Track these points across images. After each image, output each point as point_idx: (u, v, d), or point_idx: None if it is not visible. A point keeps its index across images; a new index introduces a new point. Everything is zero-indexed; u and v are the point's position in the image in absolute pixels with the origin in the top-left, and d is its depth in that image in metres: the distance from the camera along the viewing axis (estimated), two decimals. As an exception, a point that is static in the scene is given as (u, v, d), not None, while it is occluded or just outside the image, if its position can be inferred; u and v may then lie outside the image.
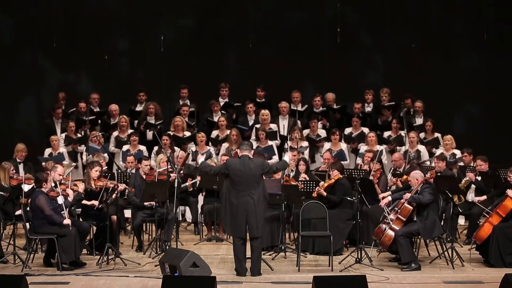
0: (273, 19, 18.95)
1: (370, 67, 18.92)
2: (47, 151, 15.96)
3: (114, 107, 16.99)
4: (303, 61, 18.54)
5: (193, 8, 18.96)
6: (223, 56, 18.95)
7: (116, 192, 12.69)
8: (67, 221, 11.82)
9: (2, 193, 12.96)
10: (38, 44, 18.79)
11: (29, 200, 12.21)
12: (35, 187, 12.49)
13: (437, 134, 16.19)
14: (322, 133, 16.48)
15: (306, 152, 15.95)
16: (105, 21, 18.78)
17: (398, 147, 15.97)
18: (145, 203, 13.05)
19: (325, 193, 12.96)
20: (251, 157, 11.60)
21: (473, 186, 13.85)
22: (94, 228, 12.94)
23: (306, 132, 16.40)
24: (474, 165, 14.18)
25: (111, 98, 17.67)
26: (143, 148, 16.01)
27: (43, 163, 15.05)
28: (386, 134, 16.41)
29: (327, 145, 15.96)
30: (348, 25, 18.82)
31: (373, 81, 18.30)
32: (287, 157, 11.88)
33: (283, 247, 12.79)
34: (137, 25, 18.92)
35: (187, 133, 16.22)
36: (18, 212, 12.53)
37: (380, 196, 12.64)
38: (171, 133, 16.03)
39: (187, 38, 19.00)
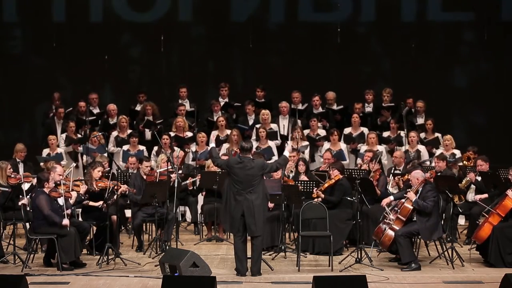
0: (274, 19, 18.98)
1: (372, 67, 18.91)
2: (45, 151, 15.96)
3: (112, 106, 16.99)
4: (304, 61, 18.54)
5: (193, 9, 18.96)
6: (224, 56, 18.95)
7: (117, 193, 12.70)
8: (66, 221, 11.80)
9: (6, 189, 12.92)
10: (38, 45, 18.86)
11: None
12: (34, 185, 12.50)
13: (437, 134, 16.19)
14: (322, 132, 16.48)
15: (307, 152, 15.96)
16: (105, 21, 18.78)
17: (397, 147, 15.96)
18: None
19: (323, 196, 12.93)
20: (252, 157, 11.62)
21: (473, 186, 13.84)
22: (94, 228, 12.94)
23: (306, 132, 16.39)
24: (473, 165, 14.19)
25: (110, 99, 17.68)
26: (142, 148, 16.02)
27: (41, 163, 15.07)
28: (385, 134, 16.41)
29: (326, 145, 15.96)
30: (348, 25, 18.83)
31: (375, 82, 18.31)
32: (287, 151, 11.88)
33: (283, 247, 12.79)
34: (136, 25, 18.91)
35: (189, 134, 16.22)
36: (22, 202, 12.50)
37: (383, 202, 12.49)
38: (173, 134, 16.03)
39: (187, 38, 19.00)
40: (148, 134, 16.68)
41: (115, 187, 12.66)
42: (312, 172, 14.52)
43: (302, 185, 13.35)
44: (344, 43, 18.73)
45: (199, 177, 14.37)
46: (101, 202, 12.63)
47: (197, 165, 15.60)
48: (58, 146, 16.11)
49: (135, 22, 18.91)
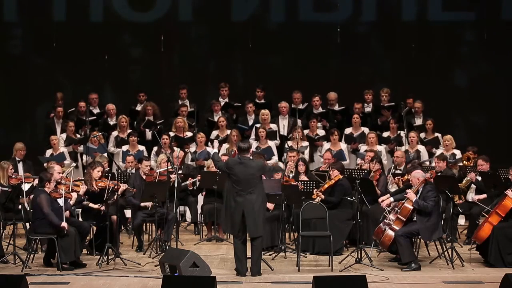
0: (275, 19, 18.98)
1: (372, 67, 18.90)
2: (48, 151, 15.97)
3: (111, 106, 17.00)
4: (304, 61, 18.54)
5: (194, 9, 18.96)
6: (224, 56, 18.94)
7: (117, 193, 12.70)
8: (64, 224, 11.78)
9: (6, 188, 12.91)
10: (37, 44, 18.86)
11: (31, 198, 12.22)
12: (35, 185, 12.49)
13: (437, 134, 16.19)
14: (321, 132, 16.47)
15: (307, 152, 15.96)
16: (105, 21, 18.79)
17: (397, 147, 15.96)
18: (142, 204, 13.08)
19: (323, 196, 12.92)
20: (251, 157, 11.62)
21: (473, 186, 13.85)
22: (94, 228, 12.94)
23: (305, 132, 16.39)
24: (473, 165, 14.19)
25: (110, 99, 17.68)
26: (142, 148, 16.02)
27: (45, 164, 15.06)
28: (385, 134, 16.41)
29: (326, 145, 15.96)
30: (348, 25, 18.83)
31: (375, 81, 18.30)
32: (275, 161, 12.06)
33: (283, 247, 12.79)
34: (136, 25, 18.91)
35: (189, 134, 16.23)
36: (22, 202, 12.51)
37: (380, 200, 12.58)
38: (173, 134, 16.03)
39: (187, 38, 19.00)
40: (148, 134, 16.68)
41: (115, 187, 12.66)
42: (312, 172, 14.52)
43: (302, 185, 13.35)
44: (344, 43, 18.72)
45: (199, 177, 14.37)
46: (100, 206, 12.62)
47: (196, 165, 15.61)
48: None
49: (135, 22, 18.90)
